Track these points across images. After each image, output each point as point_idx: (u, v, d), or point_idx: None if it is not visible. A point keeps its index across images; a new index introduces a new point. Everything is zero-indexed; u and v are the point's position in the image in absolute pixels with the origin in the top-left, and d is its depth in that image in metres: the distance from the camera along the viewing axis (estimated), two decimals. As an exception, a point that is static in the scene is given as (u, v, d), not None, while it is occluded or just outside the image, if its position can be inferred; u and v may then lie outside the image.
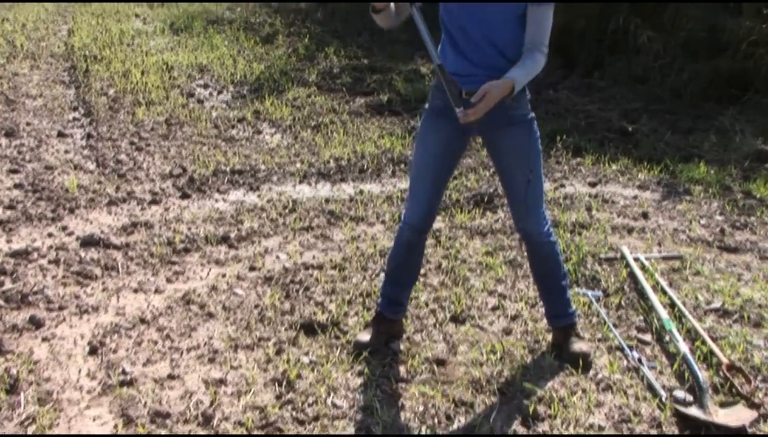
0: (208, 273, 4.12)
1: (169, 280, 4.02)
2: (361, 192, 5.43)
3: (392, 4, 3.06)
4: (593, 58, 9.07)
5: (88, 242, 4.37)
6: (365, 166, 5.91)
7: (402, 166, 5.95)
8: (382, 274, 4.10)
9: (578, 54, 9.27)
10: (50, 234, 4.49)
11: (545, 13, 2.98)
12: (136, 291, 3.89)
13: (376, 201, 5.24)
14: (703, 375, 3.19)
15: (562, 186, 5.67)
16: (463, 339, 3.55)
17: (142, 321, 3.58)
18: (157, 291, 3.90)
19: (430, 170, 3.24)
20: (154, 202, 5.06)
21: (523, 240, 3.37)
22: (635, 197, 5.53)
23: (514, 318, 3.77)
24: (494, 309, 3.86)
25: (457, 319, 3.74)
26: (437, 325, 3.67)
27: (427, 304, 3.86)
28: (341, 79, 8.62)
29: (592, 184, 5.73)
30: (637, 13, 8.84)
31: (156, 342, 3.41)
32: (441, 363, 3.34)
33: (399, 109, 7.56)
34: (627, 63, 8.70)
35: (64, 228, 4.58)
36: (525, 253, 3.43)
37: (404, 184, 5.57)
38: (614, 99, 8.06)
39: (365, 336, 3.44)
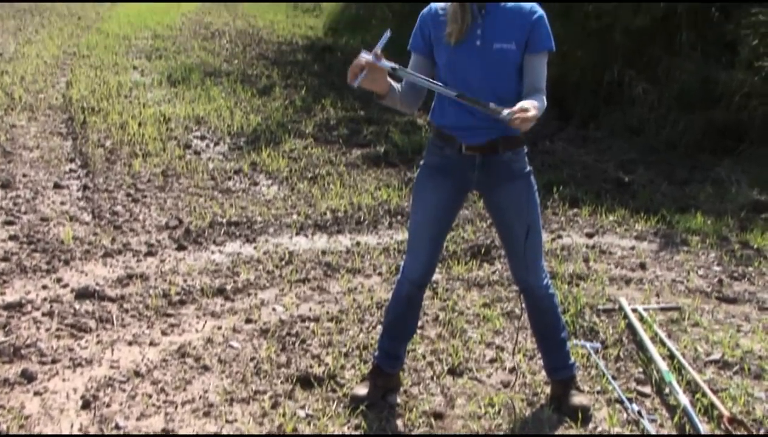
0: (203, 326, 4.09)
1: (164, 333, 3.99)
2: (358, 244, 5.41)
3: (392, 84, 3.05)
4: (589, 110, 9.15)
5: (82, 294, 4.34)
6: (362, 218, 5.91)
7: (399, 217, 5.95)
8: (379, 327, 4.08)
9: (574, 105, 9.35)
10: (45, 287, 4.46)
11: (542, 60, 3.02)
12: (130, 343, 3.86)
13: (373, 252, 5.23)
14: (704, 428, 3.16)
15: (559, 237, 5.66)
16: (460, 392, 3.52)
17: (137, 374, 3.54)
18: (152, 343, 3.86)
19: (428, 226, 3.23)
20: (150, 253, 5.04)
21: (522, 294, 3.35)
22: (632, 248, 5.53)
23: (512, 370, 3.73)
24: (492, 361, 3.82)
25: (454, 372, 3.70)
26: (435, 378, 3.64)
27: (424, 357, 3.83)
28: (338, 131, 8.66)
29: (589, 235, 5.73)
30: (631, 66, 8.95)
31: (150, 396, 3.37)
32: (439, 416, 3.30)
33: (396, 160, 7.58)
34: (622, 114, 8.78)
35: (59, 280, 4.56)
36: (523, 306, 3.41)
37: (401, 235, 5.56)
38: (610, 150, 8.10)
39: (362, 390, 3.40)
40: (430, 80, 3.00)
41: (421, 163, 3.28)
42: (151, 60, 12.70)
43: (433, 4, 3.12)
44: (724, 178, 6.92)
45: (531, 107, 2.80)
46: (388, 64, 2.86)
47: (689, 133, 7.98)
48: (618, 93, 9.07)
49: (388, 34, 2.93)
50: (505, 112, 2.79)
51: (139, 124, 8.27)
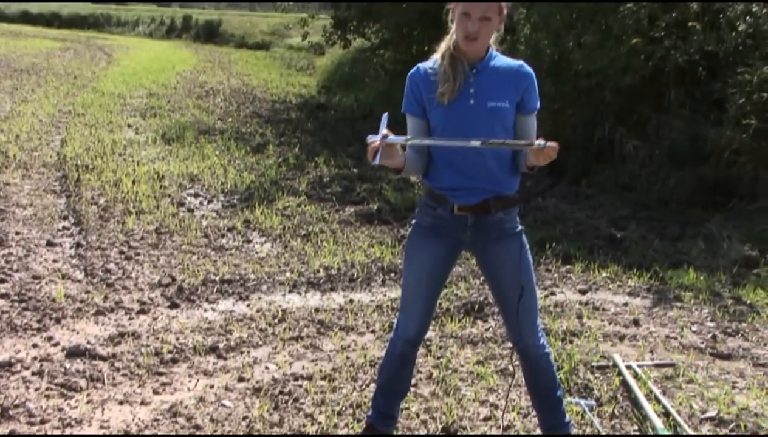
0: (195, 385, 4.05)
1: (155, 392, 3.95)
2: (351, 301, 5.40)
3: (403, 153, 3.08)
4: (581, 167, 9.23)
5: (73, 353, 4.31)
6: (355, 275, 5.91)
7: (392, 274, 5.95)
8: (373, 385, 4.05)
9: (566, 162, 9.42)
10: (35, 345, 4.42)
11: (534, 119, 3.10)
12: (121, 403, 3.82)
13: (366, 310, 5.22)
14: (701, 487, 3.12)
15: (553, 294, 5.66)
16: (455, 451, 3.48)
17: (127, 434, 3.50)
18: (143, 403, 3.82)
19: (422, 286, 3.24)
20: (142, 311, 5.02)
21: (518, 353, 3.34)
22: (626, 304, 5.52)
23: (506, 428, 3.70)
24: (486, 419, 3.79)
25: (448, 430, 3.67)
26: (429, 437, 3.60)
27: (418, 415, 3.80)
28: (331, 188, 8.70)
29: (582, 292, 5.73)
30: (621, 123, 9.06)
31: (140, 457, 3.32)
32: (433, 476, 3.26)
33: (389, 217, 7.61)
34: (614, 171, 8.86)
35: (50, 338, 4.52)
36: (517, 363, 3.39)
37: (394, 293, 5.55)
38: (602, 206, 8.15)
39: None
40: (448, 140, 3.00)
41: (413, 222, 3.29)
42: (145, 118, 12.81)
43: (421, 65, 3.13)
44: (716, 234, 6.96)
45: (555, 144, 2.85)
46: (398, 138, 2.90)
47: (680, 190, 8.05)
48: (609, 150, 9.17)
49: (386, 116, 2.98)
50: (540, 141, 2.83)
51: (133, 182, 8.30)
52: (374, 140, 2.85)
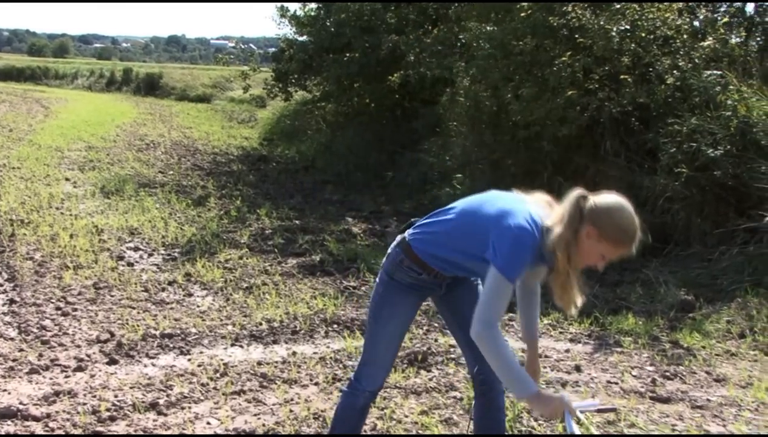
0: (134, 443, 3.96)
1: (92, 452, 3.84)
2: (294, 353, 5.35)
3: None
4: (521, 216, 9.35)
5: (4, 415, 4.16)
6: (298, 327, 5.86)
7: (335, 326, 5.92)
8: (317, 438, 4.01)
9: (506, 212, 9.55)
10: (-34, 407, 4.27)
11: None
12: (56, 464, 3.70)
13: (310, 362, 5.17)
14: None
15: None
16: (400, 503, 3.44)
17: (62, 497, 3.39)
18: (79, 464, 3.71)
19: (398, 339, 3.30)
20: (79, 368, 4.89)
21: (478, 390, 3.35)
22: (567, 350, 5.58)
23: (452, 479, 3.68)
24: (432, 470, 3.77)
25: (394, 483, 3.63)
26: (374, 490, 3.56)
27: (363, 468, 3.76)
28: (273, 241, 8.67)
29: (525, 339, 5.76)
30: (560, 172, 9.23)
31: None
32: None
33: (331, 269, 7.60)
34: (554, 220, 8.99)
35: (-18, 399, 4.37)
36: (473, 409, 3.39)
37: (338, 344, 5.53)
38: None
39: None
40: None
41: (385, 277, 3.24)
42: (84, 171, 12.64)
43: (535, 233, 2.87)
44: (653, 279, 7.10)
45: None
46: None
47: (618, 237, 8.19)
48: (548, 199, 9.31)
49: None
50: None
51: (71, 236, 8.15)
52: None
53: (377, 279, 3.31)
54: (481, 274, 2.95)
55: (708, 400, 4.71)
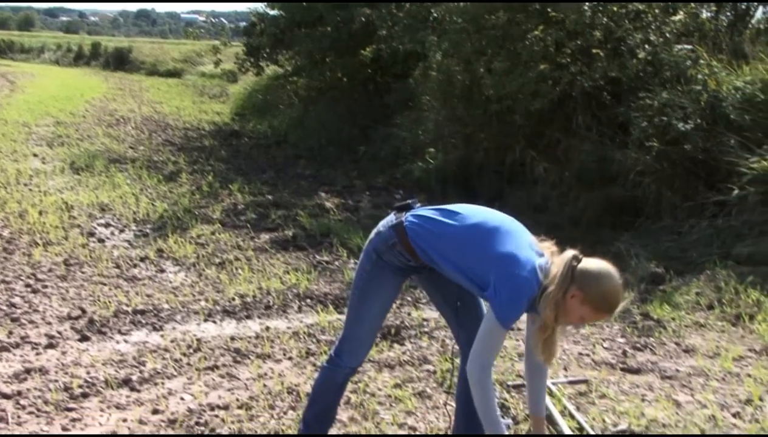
0: (108, 419, 3.94)
1: (65, 428, 3.82)
2: (268, 328, 5.35)
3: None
4: (493, 189, 9.41)
5: (-24, 392, 4.14)
6: (271, 303, 5.86)
7: (308, 300, 5.93)
8: (291, 413, 4.03)
9: (479, 185, 9.61)
10: (-64, 385, 4.23)
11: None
12: (28, 441, 3.68)
13: (283, 337, 5.18)
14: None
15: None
16: (374, 476, 3.47)
17: (35, 473, 3.37)
18: (51, 440, 3.69)
19: (381, 317, 3.32)
20: (50, 346, 4.85)
21: (463, 354, 3.36)
22: (539, 324, 5.62)
23: (425, 451, 3.71)
24: (405, 443, 3.80)
25: (368, 455, 3.66)
26: (348, 463, 3.59)
27: (337, 441, 3.78)
28: (245, 216, 8.63)
29: (497, 312, 5.80)
30: (532, 147, 9.28)
31: (49, 497, 3.21)
32: (353, 502, 3.24)
33: (304, 244, 7.58)
34: (526, 193, 9.06)
35: (-48, 377, 4.33)
36: (458, 376, 3.42)
37: (311, 319, 5.53)
38: (515, 228, 8.28)
39: None
40: None
41: (373, 256, 3.23)
42: (52, 147, 12.48)
43: (534, 284, 2.94)
44: (624, 252, 7.16)
45: None
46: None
47: (590, 210, 8.27)
48: (521, 173, 9.37)
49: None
50: None
51: (40, 213, 8.06)
52: None
53: (363, 255, 3.28)
54: (461, 285, 3.07)
55: (677, 370, 4.78)
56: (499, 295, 2.87)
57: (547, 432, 3.25)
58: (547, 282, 2.88)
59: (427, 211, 3.17)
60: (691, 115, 7.70)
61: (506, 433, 3.04)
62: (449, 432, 3.73)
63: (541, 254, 2.98)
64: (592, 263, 2.93)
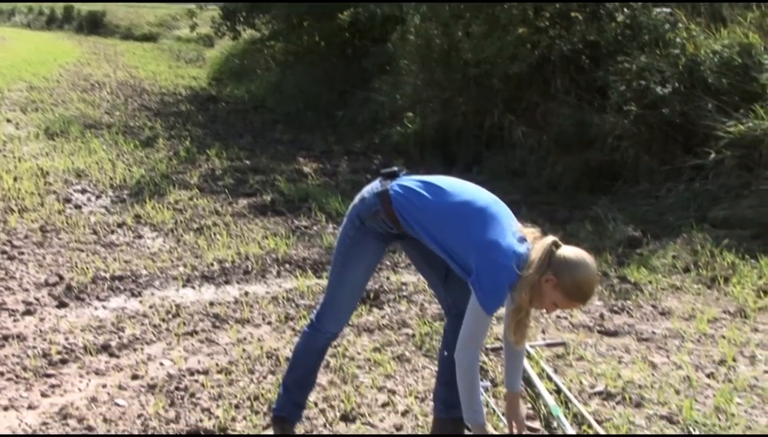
0: (87, 385, 3.94)
1: (44, 394, 3.82)
2: (246, 294, 5.35)
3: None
4: (472, 154, 9.40)
5: (-46, 358, 4.12)
6: (250, 268, 5.85)
7: (287, 265, 5.92)
8: (271, 377, 4.04)
9: (457, 150, 9.60)
10: None
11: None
12: (6, 408, 3.67)
13: (262, 302, 5.18)
14: (591, 459, 3.24)
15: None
16: (354, 438, 3.50)
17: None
18: (30, 407, 3.69)
19: (363, 282, 3.32)
20: (27, 312, 4.83)
21: (449, 318, 3.38)
22: (517, 287, 5.66)
23: (404, 413, 3.74)
24: (384, 405, 3.83)
25: (347, 418, 3.69)
26: (327, 425, 3.62)
27: (316, 404, 3.80)
28: (223, 181, 8.59)
29: (476, 276, 5.83)
30: (511, 111, 9.26)
31: (29, 462, 3.21)
32: (333, 464, 3.27)
33: (282, 209, 7.56)
34: (504, 157, 9.05)
35: (-72, 344, 4.30)
36: (443, 337, 3.44)
37: (290, 284, 5.54)
38: (494, 192, 8.15)
39: None
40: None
41: (357, 221, 3.21)
42: (26, 112, 12.32)
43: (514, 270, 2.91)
44: (602, 216, 7.20)
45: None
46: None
47: (568, 174, 8.29)
48: (499, 137, 9.36)
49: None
50: None
51: (15, 179, 7.98)
52: None
53: (346, 220, 3.26)
54: (441, 256, 3.08)
55: (653, 333, 4.84)
56: (481, 283, 2.89)
57: (522, 406, 3.26)
58: (526, 267, 2.90)
59: (413, 183, 3.14)
60: (669, 78, 7.71)
61: (485, 423, 3.06)
62: (428, 394, 3.76)
63: (523, 239, 2.98)
64: (570, 251, 2.95)
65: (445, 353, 3.38)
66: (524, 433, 3.12)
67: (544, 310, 3.08)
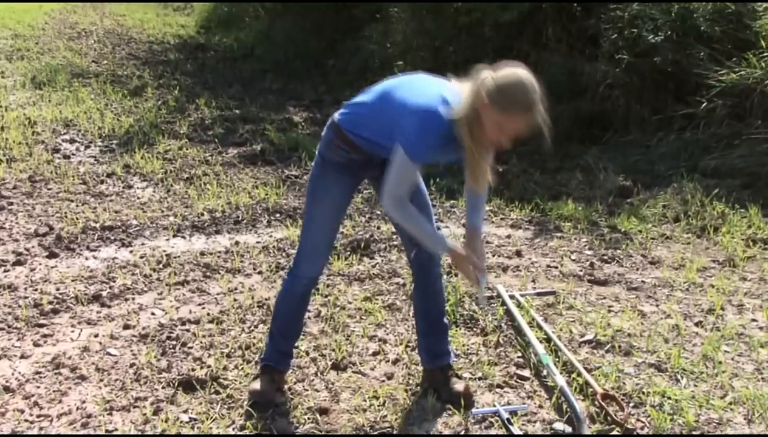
0: (79, 334, 3.95)
1: (36, 344, 3.83)
2: (237, 243, 5.35)
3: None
4: (463, 103, 9.34)
5: (-55, 308, 4.12)
6: (240, 217, 5.84)
7: (277, 215, 5.92)
8: (262, 326, 4.06)
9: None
10: None
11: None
12: (-1, 357, 3.68)
13: (252, 251, 5.18)
14: (580, 406, 3.28)
15: (438, 228, 5.75)
16: (345, 386, 3.53)
17: (7, 389, 3.39)
18: (23, 356, 3.70)
19: (333, 224, 3.28)
20: (18, 263, 4.82)
21: (414, 271, 3.41)
22: (509, 236, 5.68)
23: (395, 362, 3.77)
24: (375, 354, 3.86)
25: (338, 367, 3.71)
26: (319, 374, 3.64)
27: (307, 353, 3.83)
28: (213, 131, 8.53)
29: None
30: (501, 60, 9.17)
31: (23, 411, 3.23)
32: (324, 412, 3.30)
33: (272, 158, 7.53)
34: (494, 106, 9.00)
35: None
36: (413, 296, 3.46)
37: (280, 233, 5.54)
38: (483, 142, 8.27)
39: (258, 385, 3.37)
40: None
41: (318, 159, 3.24)
42: (12, 61, 12.15)
43: (444, 117, 2.87)
44: (593, 166, 7.21)
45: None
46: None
47: (559, 124, 8.17)
48: (490, 85, 9.29)
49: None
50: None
51: (2, 129, 7.90)
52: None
53: (313, 164, 3.30)
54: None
55: (643, 282, 4.87)
56: (404, 130, 2.86)
57: (481, 244, 3.22)
58: (458, 106, 2.84)
59: (353, 100, 3.20)
60: (662, 26, 7.66)
61: (454, 244, 3.05)
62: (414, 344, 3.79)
63: (453, 90, 2.93)
64: (499, 71, 2.85)
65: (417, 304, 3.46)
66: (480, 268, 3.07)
67: (496, 146, 2.95)
